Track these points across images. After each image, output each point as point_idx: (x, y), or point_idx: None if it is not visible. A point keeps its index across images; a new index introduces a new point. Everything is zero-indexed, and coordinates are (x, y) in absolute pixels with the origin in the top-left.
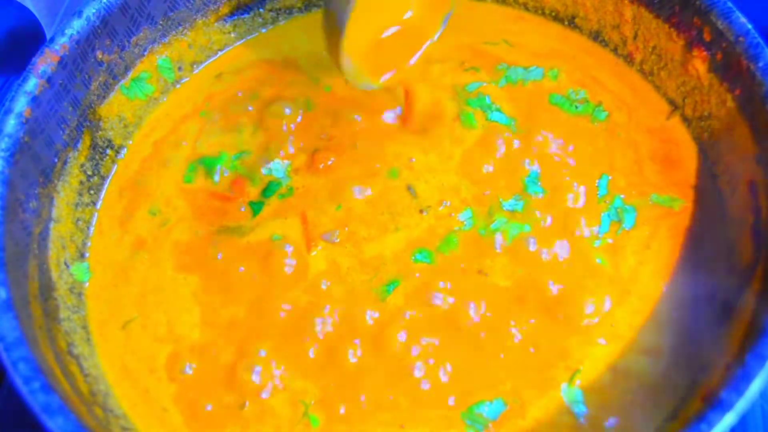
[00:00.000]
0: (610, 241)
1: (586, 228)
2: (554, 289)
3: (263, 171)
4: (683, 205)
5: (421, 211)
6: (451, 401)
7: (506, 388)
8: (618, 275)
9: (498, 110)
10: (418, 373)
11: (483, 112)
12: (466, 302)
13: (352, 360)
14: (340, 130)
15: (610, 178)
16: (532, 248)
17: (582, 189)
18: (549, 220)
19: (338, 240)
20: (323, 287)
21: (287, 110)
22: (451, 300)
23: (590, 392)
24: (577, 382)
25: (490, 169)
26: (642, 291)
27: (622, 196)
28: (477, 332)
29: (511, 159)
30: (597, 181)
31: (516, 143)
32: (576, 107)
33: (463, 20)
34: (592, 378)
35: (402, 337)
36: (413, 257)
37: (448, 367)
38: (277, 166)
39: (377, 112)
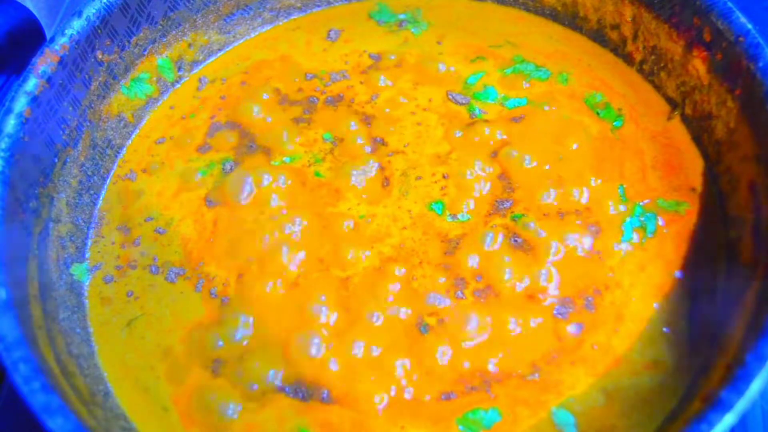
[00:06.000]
0: (630, 249)
1: (604, 240)
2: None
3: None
4: (688, 209)
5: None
6: (449, 405)
7: (503, 400)
8: (621, 289)
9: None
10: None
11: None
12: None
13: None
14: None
15: (625, 186)
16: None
17: (605, 198)
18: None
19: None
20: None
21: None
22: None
23: (581, 415)
24: (570, 402)
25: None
26: (639, 305)
27: (642, 202)
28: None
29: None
30: (618, 188)
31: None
32: (598, 112)
33: (464, 21)
34: (584, 402)
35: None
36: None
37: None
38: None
39: None
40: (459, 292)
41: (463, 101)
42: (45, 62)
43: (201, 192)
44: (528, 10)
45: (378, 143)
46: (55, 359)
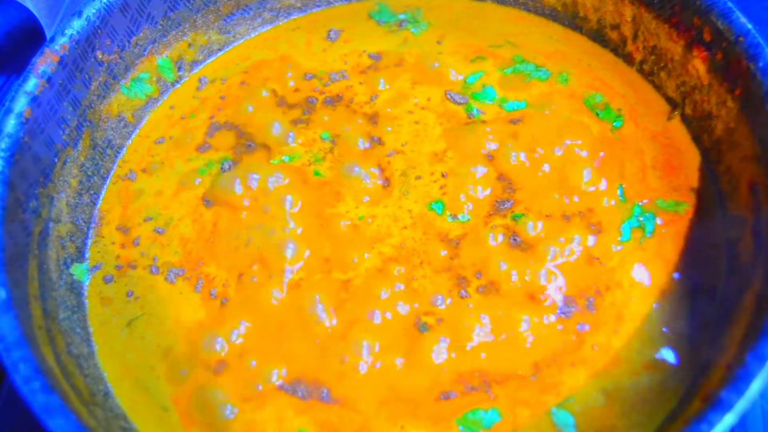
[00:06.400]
0: (629, 249)
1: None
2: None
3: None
4: (688, 209)
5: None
6: (448, 405)
7: (503, 401)
8: (621, 289)
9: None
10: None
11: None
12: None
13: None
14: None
15: (624, 186)
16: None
17: (604, 198)
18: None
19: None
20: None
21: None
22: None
23: (581, 416)
24: (570, 402)
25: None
26: (639, 306)
27: (642, 202)
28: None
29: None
30: (617, 189)
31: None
32: (597, 113)
33: (464, 21)
34: (584, 402)
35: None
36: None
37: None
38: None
39: None
40: (460, 292)
41: (462, 101)
42: (45, 62)
43: (199, 191)
44: (528, 10)
45: (376, 142)
46: (55, 359)
